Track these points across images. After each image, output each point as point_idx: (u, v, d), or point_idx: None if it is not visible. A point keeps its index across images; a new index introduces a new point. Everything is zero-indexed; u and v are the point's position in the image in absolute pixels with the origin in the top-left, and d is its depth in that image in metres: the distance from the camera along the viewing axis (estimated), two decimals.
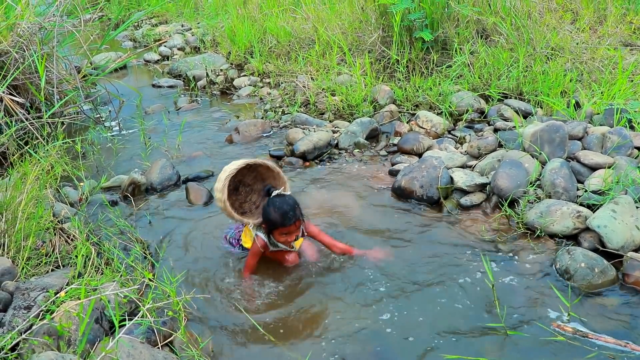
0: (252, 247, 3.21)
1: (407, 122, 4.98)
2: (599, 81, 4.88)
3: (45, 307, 2.47)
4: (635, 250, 3.03)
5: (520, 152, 3.91)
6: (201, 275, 3.26)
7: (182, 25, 10.47)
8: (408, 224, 3.64)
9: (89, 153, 5.06)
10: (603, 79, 4.83)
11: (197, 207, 4.07)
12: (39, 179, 3.73)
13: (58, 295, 2.48)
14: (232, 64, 7.59)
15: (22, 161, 4.08)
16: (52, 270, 3.08)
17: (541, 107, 4.78)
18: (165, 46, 9.27)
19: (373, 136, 4.91)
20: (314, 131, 4.94)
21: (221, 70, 7.36)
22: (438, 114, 5.00)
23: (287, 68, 6.61)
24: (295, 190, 4.17)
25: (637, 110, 4.13)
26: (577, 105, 4.55)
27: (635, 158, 3.69)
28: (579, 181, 3.60)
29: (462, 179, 3.85)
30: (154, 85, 7.37)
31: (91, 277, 2.92)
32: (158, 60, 8.85)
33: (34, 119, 4.84)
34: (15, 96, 4.87)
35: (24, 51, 5.11)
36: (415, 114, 5.03)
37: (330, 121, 5.34)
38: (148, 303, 2.52)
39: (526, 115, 4.69)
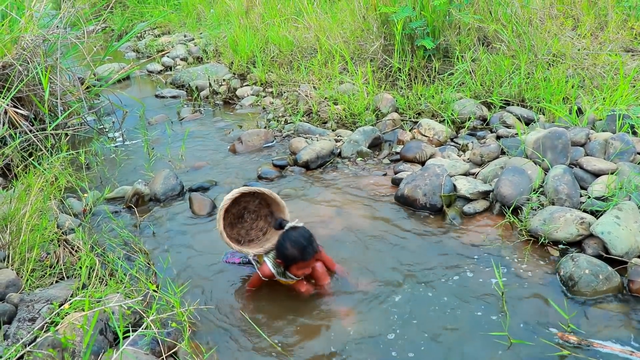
0: (255, 275, 3.15)
1: (410, 130, 4.98)
2: (601, 87, 4.88)
3: (49, 319, 2.48)
4: None
5: (523, 159, 3.91)
6: (205, 286, 3.26)
7: (185, 36, 10.53)
8: (411, 232, 3.64)
9: (93, 164, 5.08)
10: (605, 85, 4.83)
11: (201, 217, 4.08)
12: (43, 190, 3.75)
13: (62, 307, 2.49)
14: (234, 73, 7.63)
15: (26, 173, 4.10)
16: (57, 281, 3.09)
17: (543, 114, 4.78)
18: (168, 57, 9.33)
19: (376, 145, 4.92)
20: (317, 140, 4.95)
21: (224, 80, 7.39)
22: (440, 121, 5.00)
23: (289, 77, 6.64)
24: (298, 199, 4.18)
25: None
26: (580, 112, 4.55)
27: (638, 164, 3.68)
28: (582, 187, 3.60)
29: (465, 186, 3.85)
30: (157, 96, 7.40)
31: (95, 288, 2.92)
32: (161, 70, 8.91)
33: (37, 131, 4.87)
34: (19, 108, 4.91)
35: (28, 63, 5.15)
36: (417, 122, 5.04)
37: (332, 130, 5.35)
38: (152, 314, 2.52)
39: (528, 122, 4.69)
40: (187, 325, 2.69)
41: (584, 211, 3.38)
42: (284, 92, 6.44)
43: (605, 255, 3.08)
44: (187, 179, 4.66)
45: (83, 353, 2.32)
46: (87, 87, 6.37)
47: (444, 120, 4.94)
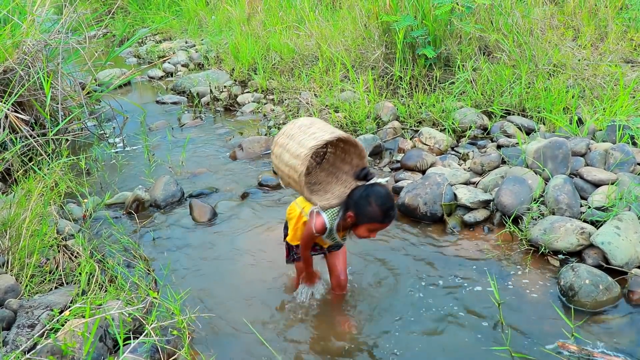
0: (306, 230, 2.73)
1: (411, 139, 4.99)
2: (601, 98, 4.90)
3: (49, 325, 2.47)
4: None
5: (524, 168, 3.91)
6: (205, 293, 3.26)
7: (186, 42, 10.55)
8: (411, 241, 3.64)
9: (93, 170, 5.08)
10: (605, 96, 4.84)
11: (201, 223, 4.08)
12: (43, 195, 3.74)
13: (62, 314, 2.48)
14: (235, 80, 7.64)
15: (26, 178, 4.09)
16: (56, 287, 3.08)
17: (544, 124, 4.79)
18: (169, 63, 9.34)
19: (376, 153, 4.92)
20: None
21: (225, 86, 7.40)
22: (441, 130, 5.01)
23: (290, 85, 6.65)
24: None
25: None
26: (580, 122, 4.56)
27: (638, 174, 3.69)
28: (582, 197, 3.60)
29: (465, 195, 3.85)
30: (157, 102, 7.41)
31: (95, 294, 2.91)
32: (162, 76, 8.92)
33: (38, 136, 4.87)
34: (20, 113, 4.91)
35: (29, 68, 5.16)
36: (418, 130, 5.05)
37: None
38: (152, 322, 2.51)
39: (529, 131, 4.70)
40: (187, 333, 2.68)
41: (584, 221, 3.38)
42: (285, 100, 6.46)
43: (605, 265, 3.08)
44: (187, 186, 4.66)
45: None
46: (88, 93, 6.38)
47: (445, 129, 4.94)
